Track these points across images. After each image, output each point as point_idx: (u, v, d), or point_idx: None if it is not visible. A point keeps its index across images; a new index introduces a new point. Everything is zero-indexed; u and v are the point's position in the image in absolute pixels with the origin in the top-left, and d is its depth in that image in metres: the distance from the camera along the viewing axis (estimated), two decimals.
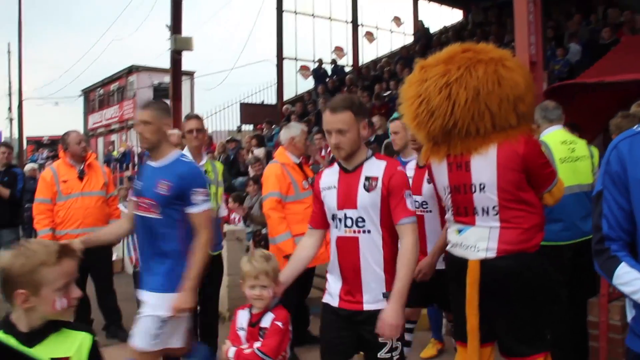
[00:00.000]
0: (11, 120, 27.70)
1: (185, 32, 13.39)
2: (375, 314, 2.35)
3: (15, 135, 26.30)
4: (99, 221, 4.80)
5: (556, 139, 3.51)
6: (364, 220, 2.42)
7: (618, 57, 6.80)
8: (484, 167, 2.46)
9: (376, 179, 2.42)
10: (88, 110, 34.29)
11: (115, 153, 19.07)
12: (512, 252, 2.42)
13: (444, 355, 4.29)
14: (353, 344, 2.48)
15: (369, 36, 17.71)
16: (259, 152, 9.72)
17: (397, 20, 18.44)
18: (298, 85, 16.81)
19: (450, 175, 2.58)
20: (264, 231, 6.09)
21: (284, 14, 16.34)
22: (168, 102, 12.04)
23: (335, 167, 2.58)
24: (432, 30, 16.75)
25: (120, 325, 5.01)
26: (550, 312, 2.70)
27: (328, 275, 2.59)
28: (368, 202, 2.41)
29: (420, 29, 17.09)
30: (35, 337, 1.61)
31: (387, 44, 18.53)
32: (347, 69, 16.54)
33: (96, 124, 32.66)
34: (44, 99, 53.01)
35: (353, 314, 2.44)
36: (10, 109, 27.81)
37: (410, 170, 3.27)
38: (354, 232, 2.43)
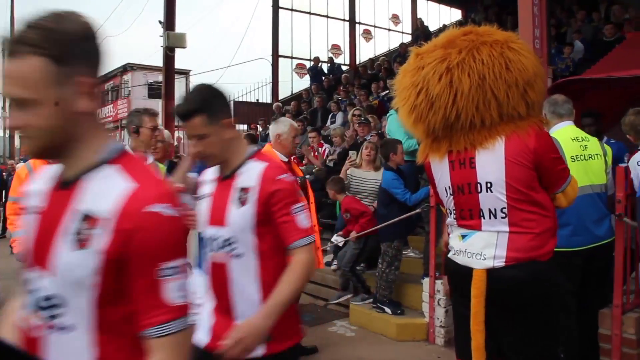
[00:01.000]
0: (5, 119, 27.49)
1: (179, 30, 13.29)
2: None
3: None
4: None
5: (567, 135, 3.23)
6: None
7: (624, 53, 6.62)
8: (491, 163, 2.16)
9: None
10: None
11: None
12: (522, 261, 2.12)
13: None
14: None
15: (367, 34, 17.53)
16: None
17: (395, 19, 18.29)
18: (294, 83, 16.61)
19: (453, 174, 2.27)
20: None
21: (280, 11, 16.14)
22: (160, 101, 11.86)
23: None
24: (430, 29, 16.53)
25: None
26: (563, 327, 2.43)
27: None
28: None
29: (419, 27, 16.89)
30: None
31: (385, 42, 18.37)
32: (344, 68, 16.32)
33: None
34: None
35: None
36: (4, 107, 27.59)
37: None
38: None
